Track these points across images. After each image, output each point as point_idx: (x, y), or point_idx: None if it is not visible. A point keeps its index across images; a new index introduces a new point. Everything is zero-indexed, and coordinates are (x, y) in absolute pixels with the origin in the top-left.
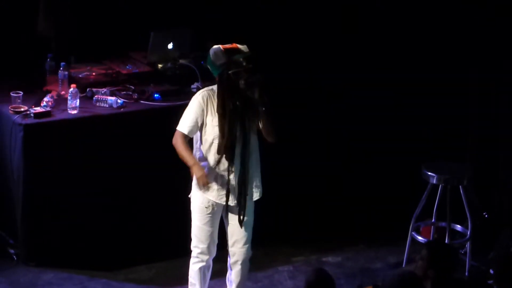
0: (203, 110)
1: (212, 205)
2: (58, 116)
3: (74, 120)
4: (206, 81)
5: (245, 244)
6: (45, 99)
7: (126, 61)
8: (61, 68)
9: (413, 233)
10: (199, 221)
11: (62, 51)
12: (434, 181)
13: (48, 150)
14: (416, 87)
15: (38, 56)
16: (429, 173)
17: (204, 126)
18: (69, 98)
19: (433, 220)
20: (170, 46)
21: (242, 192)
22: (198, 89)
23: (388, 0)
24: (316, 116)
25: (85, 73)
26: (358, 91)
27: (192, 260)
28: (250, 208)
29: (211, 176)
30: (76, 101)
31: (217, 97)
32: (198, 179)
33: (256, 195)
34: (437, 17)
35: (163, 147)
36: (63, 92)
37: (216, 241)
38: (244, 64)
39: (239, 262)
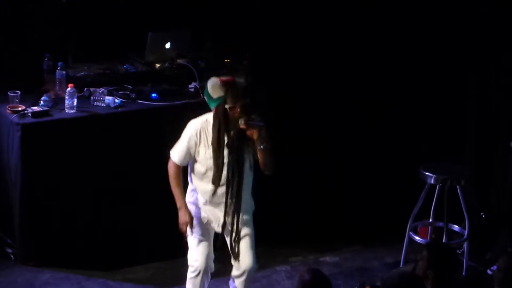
0: (195, 143)
1: (208, 220)
2: (55, 115)
3: (71, 120)
4: (203, 81)
5: (248, 257)
6: (43, 98)
7: (124, 60)
8: (58, 68)
9: (410, 233)
10: (195, 237)
11: (60, 51)
12: (432, 181)
13: (45, 149)
14: (414, 87)
15: (35, 55)
16: (427, 173)
17: (197, 156)
18: (66, 97)
19: (430, 220)
20: (167, 46)
21: (235, 220)
22: (195, 89)
23: (386, 1)
24: (314, 116)
25: (83, 73)
26: (356, 90)
27: (190, 275)
28: (249, 223)
29: (205, 202)
30: (74, 101)
31: (213, 130)
32: (181, 225)
33: (249, 212)
34: (435, 17)
35: (160, 147)
36: (60, 92)
37: (213, 256)
38: (241, 98)
39: (245, 273)
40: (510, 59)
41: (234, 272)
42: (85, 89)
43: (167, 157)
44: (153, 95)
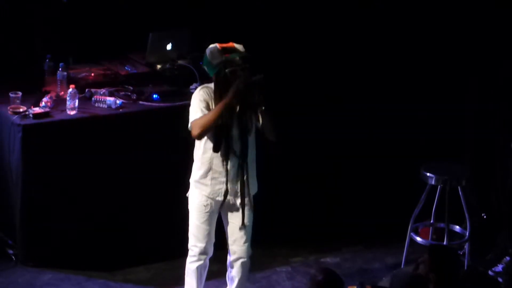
0: (207, 103)
1: (210, 203)
2: (57, 116)
3: (73, 121)
4: (204, 82)
5: (245, 242)
6: (44, 99)
7: (125, 62)
8: (60, 69)
9: (411, 233)
10: (197, 220)
11: (61, 52)
12: (433, 182)
13: (46, 150)
14: (414, 88)
15: (37, 56)
16: (428, 174)
17: None
18: (68, 98)
19: (431, 221)
20: (168, 47)
21: (241, 191)
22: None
23: (387, 2)
24: (316, 117)
25: (84, 74)
26: (358, 92)
27: (189, 259)
28: (249, 205)
29: (207, 172)
30: (75, 102)
31: (214, 96)
32: (235, 91)
33: (252, 191)
34: (436, 17)
35: (161, 147)
36: (62, 93)
37: (213, 240)
38: (241, 63)
39: (240, 260)
40: (511, 58)
41: (230, 257)
42: (86, 90)
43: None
44: (154, 96)
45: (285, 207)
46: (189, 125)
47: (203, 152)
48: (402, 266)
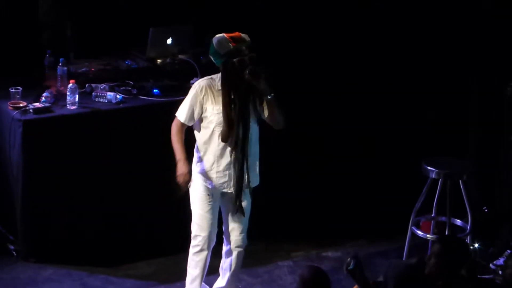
0: (200, 102)
1: (213, 193)
2: (57, 111)
3: (73, 116)
4: (205, 77)
5: (241, 232)
6: (44, 94)
7: (126, 56)
8: (60, 64)
9: (413, 227)
10: (201, 210)
11: (61, 47)
12: (434, 176)
13: (47, 146)
14: (417, 81)
15: (37, 51)
16: (429, 168)
17: (204, 114)
18: (68, 93)
19: (433, 215)
20: (169, 41)
21: (241, 180)
22: None
23: (389, 1)
24: (317, 111)
25: (84, 69)
26: (359, 86)
27: (193, 250)
28: (247, 196)
29: (212, 164)
30: (75, 97)
31: (222, 86)
32: (178, 176)
33: (254, 182)
34: (438, 15)
35: (162, 142)
36: (62, 88)
37: (217, 230)
38: (247, 52)
39: (236, 250)
40: None
41: (226, 247)
42: (87, 85)
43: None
44: (154, 91)
45: (287, 202)
46: (177, 112)
47: (204, 143)
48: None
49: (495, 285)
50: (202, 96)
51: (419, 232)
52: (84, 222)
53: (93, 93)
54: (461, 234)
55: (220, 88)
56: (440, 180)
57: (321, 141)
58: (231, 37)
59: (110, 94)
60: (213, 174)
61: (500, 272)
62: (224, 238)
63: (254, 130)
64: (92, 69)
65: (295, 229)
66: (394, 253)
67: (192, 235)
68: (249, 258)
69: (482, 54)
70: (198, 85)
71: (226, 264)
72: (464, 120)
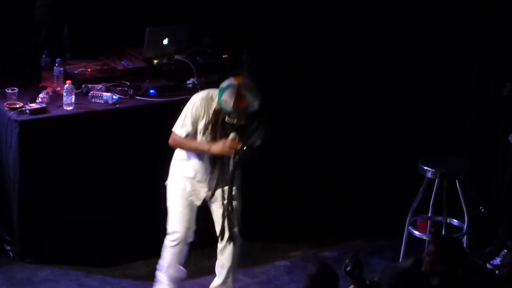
0: (200, 114)
1: (192, 194)
2: (53, 112)
3: (69, 116)
4: (201, 77)
5: (232, 228)
6: (41, 95)
7: (122, 57)
8: (56, 64)
9: (409, 227)
10: (180, 205)
11: (58, 47)
12: (430, 176)
13: (43, 146)
14: (414, 80)
15: (33, 52)
16: (426, 168)
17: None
18: (64, 94)
19: (429, 215)
20: (165, 41)
21: (228, 188)
22: (193, 85)
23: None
24: (313, 109)
25: (81, 69)
26: (356, 85)
27: (169, 243)
28: (236, 195)
29: (196, 174)
30: (72, 97)
31: (213, 114)
32: (225, 149)
33: (236, 184)
34: (435, 15)
35: (158, 143)
36: (58, 89)
37: (195, 227)
38: (243, 122)
39: (229, 248)
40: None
41: (220, 245)
42: (83, 85)
43: (168, 128)
44: (151, 91)
45: (284, 201)
46: (175, 128)
47: (191, 153)
48: (400, 260)
49: (493, 278)
50: (202, 111)
51: (416, 232)
52: (81, 222)
53: (90, 94)
54: (458, 234)
55: (212, 111)
56: (436, 180)
57: (316, 138)
58: (237, 108)
59: (106, 95)
60: (194, 181)
61: (496, 271)
62: (218, 236)
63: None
64: (89, 69)
65: (292, 229)
66: (391, 252)
67: (170, 230)
68: (246, 258)
69: (479, 54)
70: (199, 102)
71: (222, 262)
72: (461, 120)
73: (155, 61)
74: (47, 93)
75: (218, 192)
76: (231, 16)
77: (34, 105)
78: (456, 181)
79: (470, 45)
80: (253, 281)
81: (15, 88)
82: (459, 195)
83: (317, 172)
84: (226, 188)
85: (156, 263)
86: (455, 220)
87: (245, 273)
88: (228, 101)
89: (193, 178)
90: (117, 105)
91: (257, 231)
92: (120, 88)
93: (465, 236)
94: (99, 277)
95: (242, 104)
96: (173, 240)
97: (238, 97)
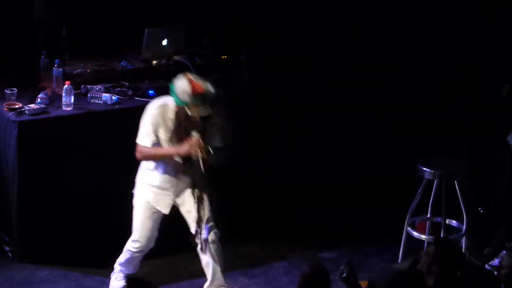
0: (159, 124)
1: (155, 204)
2: (52, 113)
3: (68, 117)
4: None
5: (207, 222)
6: (40, 96)
7: (121, 57)
8: (55, 65)
9: (408, 228)
10: (143, 216)
11: (57, 48)
12: (429, 176)
13: (43, 147)
14: (414, 81)
15: (32, 53)
16: (424, 169)
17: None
18: (63, 95)
19: (428, 216)
20: (164, 42)
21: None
22: None
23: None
24: (312, 109)
25: (80, 70)
26: (355, 85)
27: (132, 249)
28: (206, 193)
29: (161, 182)
30: (71, 98)
31: (174, 117)
32: (192, 148)
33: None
34: (434, 15)
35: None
36: (57, 89)
37: (156, 235)
38: (205, 111)
39: (209, 244)
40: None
41: (199, 246)
42: (82, 86)
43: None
44: (150, 92)
45: (282, 202)
46: (139, 139)
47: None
48: (399, 261)
49: (492, 279)
50: (158, 122)
51: (415, 233)
52: (80, 223)
53: (89, 94)
54: (457, 235)
55: (171, 117)
56: (435, 180)
57: (315, 139)
58: (195, 94)
59: (105, 95)
60: (155, 193)
61: (495, 273)
62: (195, 240)
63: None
64: (88, 70)
65: (291, 229)
66: (390, 253)
67: (133, 238)
68: (244, 259)
69: (478, 54)
70: (156, 111)
71: (205, 261)
72: (460, 121)
73: (154, 62)
74: (46, 94)
75: (187, 194)
76: (231, 16)
77: (33, 106)
78: (455, 182)
79: (470, 45)
80: (252, 282)
81: (14, 89)
82: (458, 196)
83: (316, 173)
84: (196, 190)
85: (153, 264)
86: (454, 221)
87: (243, 274)
88: (184, 90)
89: (158, 186)
90: (116, 106)
91: (256, 232)
92: (119, 89)
93: (463, 237)
94: (98, 277)
95: (199, 89)
96: (135, 248)
97: (193, 84)
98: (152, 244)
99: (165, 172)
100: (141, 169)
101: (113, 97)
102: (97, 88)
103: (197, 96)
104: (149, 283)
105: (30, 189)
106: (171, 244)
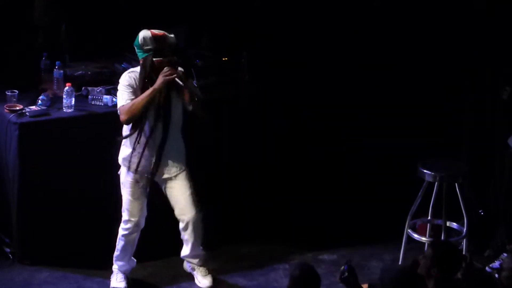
0: (133, 87)
1: (141, 179)
2: (53, 115)
3: (69, 119)
4: (200, 80)
5: (191, 206)
6: (41, 98)
7: (121, 59)
8: (56, 67)
9: (409, 230)
10: (130, 196)
11: (57, 50)
12: (430, 179)
13: (43, 148)
14: (412, 84)
15: (33, 54)
16: (425, 171)
17: None
18: (64, 96)
19: (429, 218)
20: None
21: (157, 166)
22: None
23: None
24: (312, 112)
25: (80, 72)
26: (355, 85)
27: (123, 232)
28: (183, 172)
29: (138, 152)
30: (72, 100)
31: (139, 78)
32: (165, 75)
33: (172, 172)
34: (434, 16)
35: None
36: (58, 91)
37: (146, 214)
38: (169, 54)
39: (190, 224)
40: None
41: (181, 225)
42: (83, 88)
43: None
44: None
45: (282, 205)
46: (118, 110)
47: (131, 130)
48: (399, 263)
49: (492, 281)
50: (132, 84)
51: (415, 235)
52: (80, 225)
53: (89, 96)
54: (457, 237)
55: (142, 65)
56: (436, 183)
57: (316, 142)
58: (155, 36)
59: (106, 97)
60: (135, 159)
61: (496, 275)
62: (177, 217)
63: (177, 120)
64: (88, 72)
65: (291, 231)
66: (390, 255)
67: (123, 219)
68: (244, 261)
69: (478, 54)
70: (127, 75)
71: (187, 236)
72: (460, 122)
73: None
74: (47, 96)
75: (166, 174)
76: (231, 16)
77: (34, 108)
78: (456, 184)
79: (470, 45)
80: (252, 284)
81: (15, 91)
82: (458, 198)
83: (316, 174)
84: (177, 170)
85: (154, 265)
86: (454, 223)
87: (244, 276)
88: (145, 36)
89: (137, 158)
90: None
91: (256, 234)
92: None
93: (464, 239)
94: (97, 279)
95: (159, 33)
96: (127, 229)
97: (153, 31)
98: (142, 224)
99: (141, 148)
100: (121, 150)
101: (114, 99)
102: (98, 90)
103: (158, 38)
104: (149, 284)
105: (30, 190)
106: (171, 246)
